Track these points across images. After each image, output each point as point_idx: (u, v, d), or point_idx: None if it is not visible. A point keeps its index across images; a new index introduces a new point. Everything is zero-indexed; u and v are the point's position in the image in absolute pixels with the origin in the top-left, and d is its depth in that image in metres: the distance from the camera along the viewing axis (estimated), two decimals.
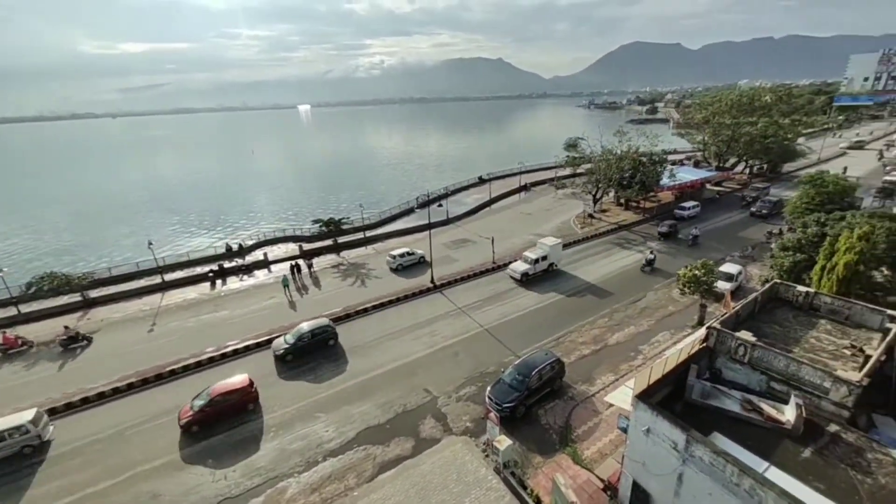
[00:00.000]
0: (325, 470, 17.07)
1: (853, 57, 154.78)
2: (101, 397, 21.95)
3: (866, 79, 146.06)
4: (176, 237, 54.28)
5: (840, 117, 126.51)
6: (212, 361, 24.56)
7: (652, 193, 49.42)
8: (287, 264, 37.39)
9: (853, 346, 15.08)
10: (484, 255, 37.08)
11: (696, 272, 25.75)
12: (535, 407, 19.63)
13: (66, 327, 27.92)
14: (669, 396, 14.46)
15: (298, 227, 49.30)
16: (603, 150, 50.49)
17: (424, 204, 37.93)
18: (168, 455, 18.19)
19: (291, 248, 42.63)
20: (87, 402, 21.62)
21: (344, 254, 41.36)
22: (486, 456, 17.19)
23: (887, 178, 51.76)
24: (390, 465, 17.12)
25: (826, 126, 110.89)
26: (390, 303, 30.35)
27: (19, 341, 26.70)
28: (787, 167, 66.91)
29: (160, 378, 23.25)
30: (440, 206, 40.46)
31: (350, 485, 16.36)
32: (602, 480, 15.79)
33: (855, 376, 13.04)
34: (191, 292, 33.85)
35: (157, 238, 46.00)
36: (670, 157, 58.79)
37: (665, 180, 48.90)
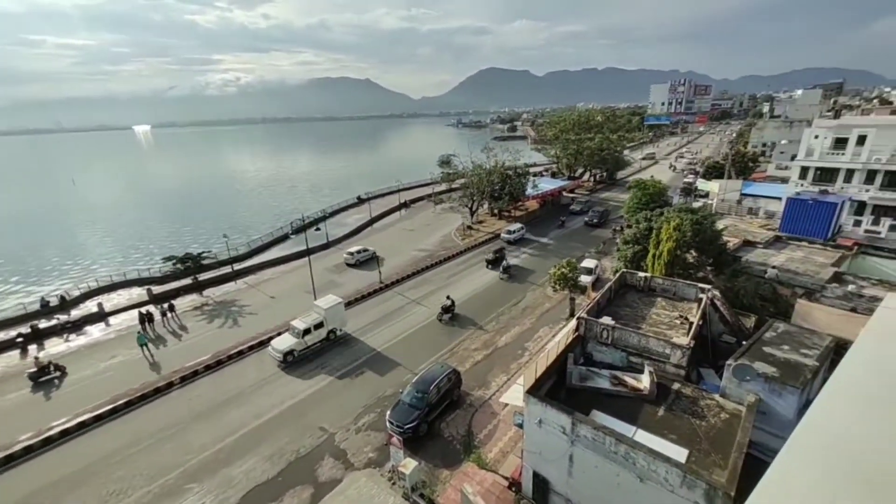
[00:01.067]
0: None
1: (652, 86, 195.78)
2: None
3: (663, 103, 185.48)
4: None
5: (650, 133, 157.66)
6: (28, 453, 19.01)
7: (520, 203, 54.55)
8: (135, 314, 31.03)
9: (681, 316, 18.44)
10: (370, 276, 36.28)
11: (563, 270, 28.94)
12: (437, 421, 19.60)
13: (35, 357, 25.68)
14: (554, 385, 15.74)
15: (145, 267, 41.79)
16: (474, 166, 54.18)
17: (300, 229, 35.38)
18: None
19: (138, 294, 35.85)
20: None
21: (208, 292, 36.31)
22: (393, 484, 16.45)
23: (685, 180, 65.99)
24: None
25: (642, 140, 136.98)
26: (269, 340, 27.43)
27: None
28: (620, 174, 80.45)
29: None
30: (318, 229, 38.38)
31: None
32: (506, 479, 16.35)
33: (684, 340, 15.89)
34: None
35: None
36: (531, 170, 65.94)
37: (529, 190, 54.44)
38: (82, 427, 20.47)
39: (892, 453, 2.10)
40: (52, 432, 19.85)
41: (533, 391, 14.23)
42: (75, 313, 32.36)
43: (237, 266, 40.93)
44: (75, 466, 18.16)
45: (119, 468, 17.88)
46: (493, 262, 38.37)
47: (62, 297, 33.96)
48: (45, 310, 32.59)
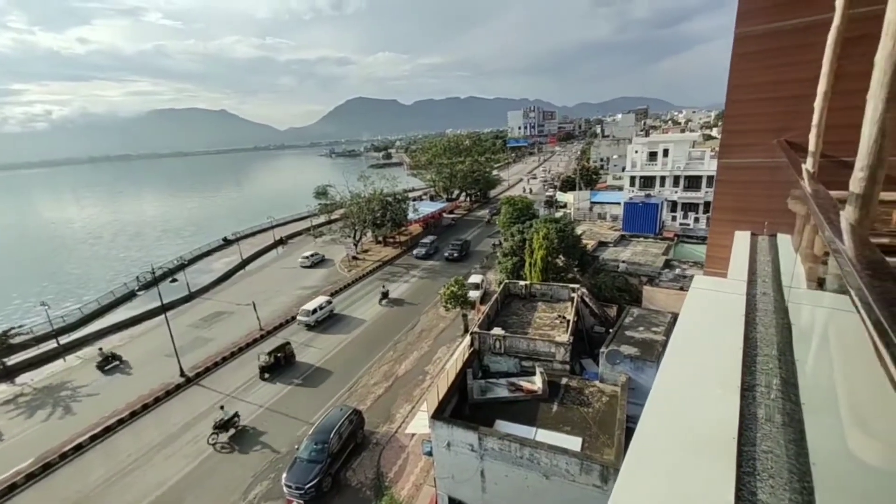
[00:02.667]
0: None
1: (509, 113, 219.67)
2: None
3: (519, 127, 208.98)
4: None
5: (513, 154, 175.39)
6: None
7: (403, 228, 55.10)
8: None
9: (559, 316, 20.30)
10: (248, 325, 32.47)
11: (453, 289, 29.81)
12: (342, 470, 18.04)
13: (100, 349, 27.86)
14: (458, 404, 15.80)
15: None
16: (352, 195, 53.27)
17: (150, 283, 29.57)
18: None
19: None
20: None
21: (24, 378, 28.35)
22: None
23: (547, 193, 74.65)
24: None
25: (507, 161, 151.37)
26: (120, 423, 22.41)
27: None
28: (493, 193, 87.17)
29: None
30: (174, 280, 32.91)
31: None
32: None
33: (565, 338, 17.47)
34: None
35: None
36: (411, 195, 67.55)
37: (411, 215, 55.46)
38: None
39: (704, 406, 2.52)
40: None
41: (437, 415, 14.06)
42: None
43: (65, 339, 32.90)
44: None
45: None
46: (269, 369, 25.59)
47: None
48: None
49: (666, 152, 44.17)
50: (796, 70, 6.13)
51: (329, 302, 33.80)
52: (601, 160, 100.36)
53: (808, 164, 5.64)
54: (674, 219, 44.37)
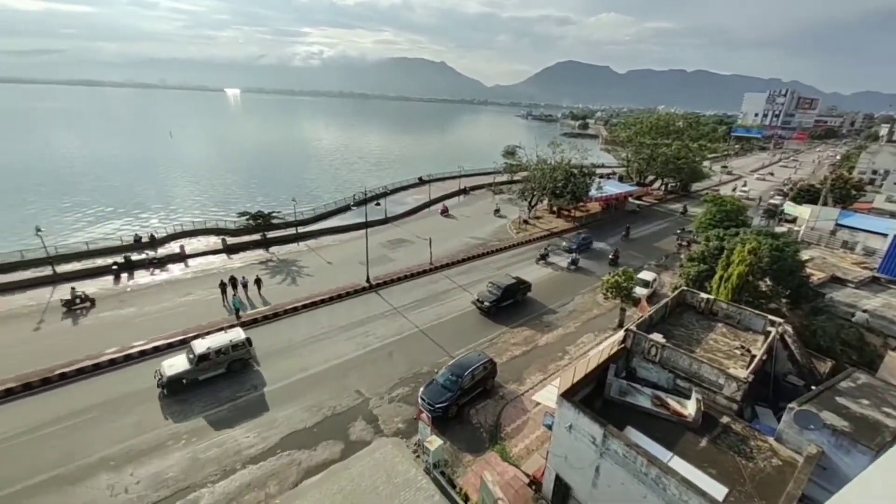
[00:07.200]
0: (244, 478, 15.92)
1: (747, 95, 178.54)
2: None
3: (756, 115, 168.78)
4: (73, 224, 47.69)
5: (736, 146, 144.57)
6: (113, 364, 21.87)
7: (581, 203, 52.65)
8: (210, 259, 34.19)
9: (742, 347, 17.14)
10: (422, 256, 37.07)
11: (618, 279, 27.76)
12: (467, 407, 19.92)
13: (73, 288, 27.95)
14: (591, 394, 15.40)
15: (221, 218, 45.72)
16: (538, 160, 52.93)
17: (362, 202, 36.57)
18: (57, 468, 15.93)
19: (213, 242, 39.37)
20: None
21: (273, 249, 39.11)
22: (417, 457, 17.10)
23: (771, 201, 60.11)
24: (316, 469, 16.39)
25: (726, 153, 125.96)
26: (322, 302, 29.18)
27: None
28: (696, 187, 74.82)
29: (47, 382, 20.23)
30: (378, 204, 39.56)
31: (271, 492, 15.42)
32: (528, 476, 16.39)
33: (742, 373, 14.81)
34: (90, 286, 29.81)
35: (47, 223, 40.22)
36: (598, 171, 63.29)
37: (593, 192, 52.32)
38: (157, 350, 23.18)
39: None
40: (131, 350, 22.67)
41: (568, 395, 14.03)
42: (161, 251, 36.22)
43: (301, 229, 43.58)
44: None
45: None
46: None
47: (152, 236, 38.12)
48: (137, 244, 36.81)
49: None
50: None
51: (242, 344, 21.93)
52: (874, 172, 74.39)
53: None
54: None
